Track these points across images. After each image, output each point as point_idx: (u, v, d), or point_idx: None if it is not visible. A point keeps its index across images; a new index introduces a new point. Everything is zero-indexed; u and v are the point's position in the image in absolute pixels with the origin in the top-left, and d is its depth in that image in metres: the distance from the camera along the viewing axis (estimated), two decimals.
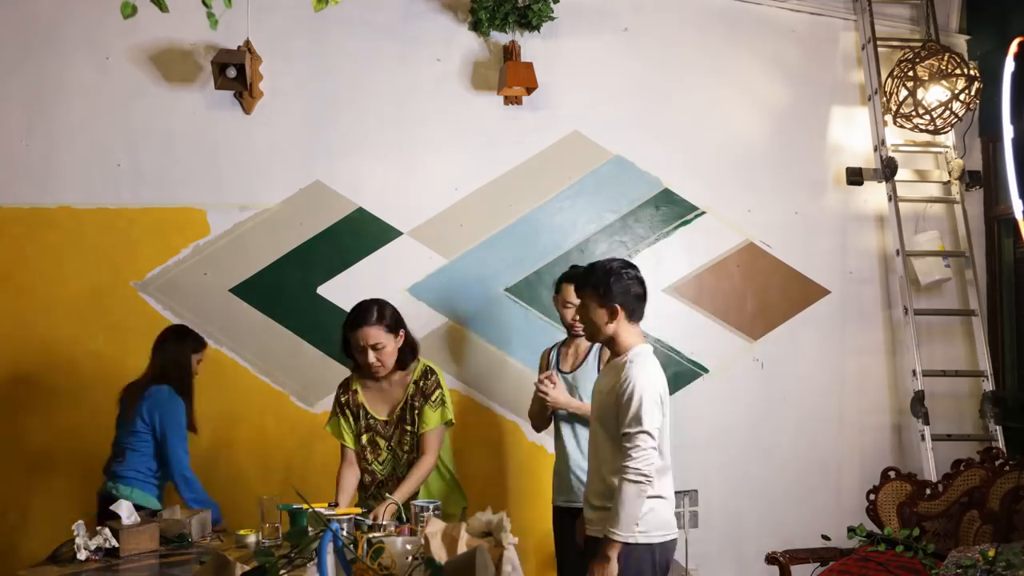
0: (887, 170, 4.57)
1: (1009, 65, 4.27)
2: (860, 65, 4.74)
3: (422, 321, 4.42)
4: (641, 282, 3.00)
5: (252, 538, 3.20)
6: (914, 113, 4.48)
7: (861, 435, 4.66)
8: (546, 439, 4.49)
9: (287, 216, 4.39)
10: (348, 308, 4.35)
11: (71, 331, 4.27)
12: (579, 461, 3.51)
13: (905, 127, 4.57)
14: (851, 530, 4.03)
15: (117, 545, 3.03)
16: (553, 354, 3.79)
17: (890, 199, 4.62)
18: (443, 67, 4.49)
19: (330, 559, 1.77)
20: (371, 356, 3.26)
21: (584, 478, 3.26)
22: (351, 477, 3.36)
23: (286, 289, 4.38)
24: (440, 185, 4.47)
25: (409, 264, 4.44)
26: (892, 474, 4.07)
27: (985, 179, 4.76)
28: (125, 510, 3.17)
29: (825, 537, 3.68)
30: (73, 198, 4.31)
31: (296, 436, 4.34)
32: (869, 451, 4.62)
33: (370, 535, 2.83)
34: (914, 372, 4.51)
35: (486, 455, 4.45)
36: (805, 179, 4.69)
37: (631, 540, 2.81)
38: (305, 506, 3.28)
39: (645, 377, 2.85)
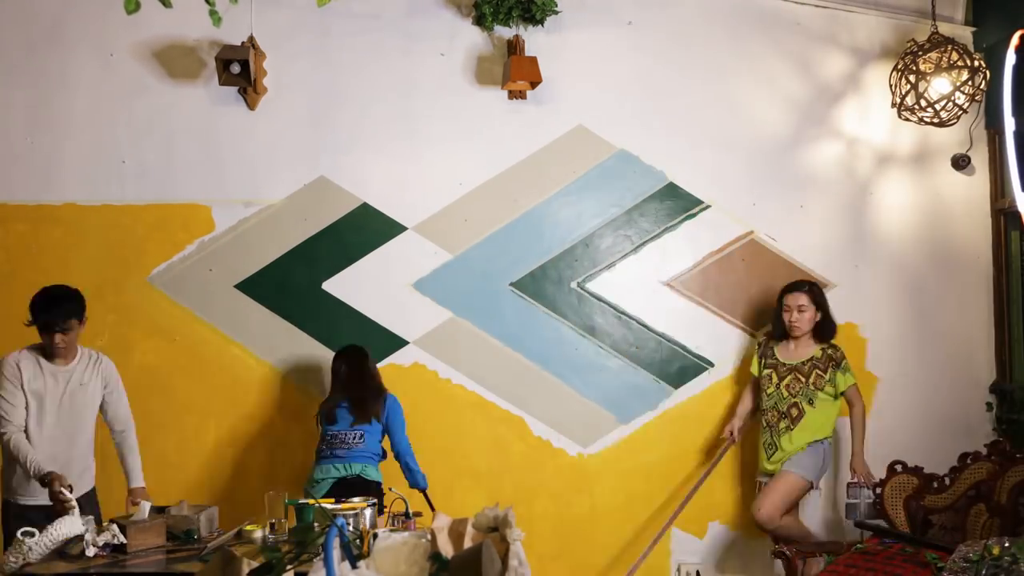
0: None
1: (1010, 58, 4.25)
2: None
3: (427, 316, 4.43)
4: None
5: (258, 534, 3.21)
6: (918, 106, 4.45)
7: (868, 428, 4.65)
8: (550, 433, 4.50)
9: (292, 212, 4.39)
10: (353, 303, 4.41)
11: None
12: None
13: (910, 120, 4.54)
14: (858, 524, 4.04)
15: (125, 541, 3.04)
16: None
17: None
18: (447, 62, 4.49)
19: (336, 555, 1.76)
20: (794, 316, 4.30)
21: None
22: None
23: (291, 285, 4.38)
24: (444, 180, 4.47)
25: (414, 259, 4.44)
26: (899, 467, 4.07)
27: (992, 171, 4.74)
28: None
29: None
30: (77, 195, 4.31)
31: (304, 431, 4.34)
32: (876, 444, 4.61)
33: (377, 530, 2.83)
34: None
35: (491, 449, 4.46)
36: (810, 172, 4.67)
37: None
38: (311, 501, 3.29)
39: None
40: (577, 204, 4.54)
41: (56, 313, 3.44)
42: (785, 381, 4.30)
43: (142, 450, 4.23)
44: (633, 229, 4.57)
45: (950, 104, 4.40)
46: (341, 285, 4.41)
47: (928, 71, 4.41)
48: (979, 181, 4.75)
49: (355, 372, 4.06)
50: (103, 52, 4.34)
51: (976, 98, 4.43)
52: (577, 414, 4.50)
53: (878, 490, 4.05)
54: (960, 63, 4.36)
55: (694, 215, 4.60)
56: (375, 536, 2.44)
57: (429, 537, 2.20)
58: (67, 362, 3.57)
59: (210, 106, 4.37)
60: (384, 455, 4.04)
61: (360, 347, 4.14)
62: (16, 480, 3.47)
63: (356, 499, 3.50)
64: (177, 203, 4.36)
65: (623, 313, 4.55)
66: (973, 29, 4.76)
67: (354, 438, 3.96)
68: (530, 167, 4.52)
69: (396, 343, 4.42)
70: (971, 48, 4.60)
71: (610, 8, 4.58)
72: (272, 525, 3.23)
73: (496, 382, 4.47)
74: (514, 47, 4.44)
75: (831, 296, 4.65)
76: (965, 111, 4.44)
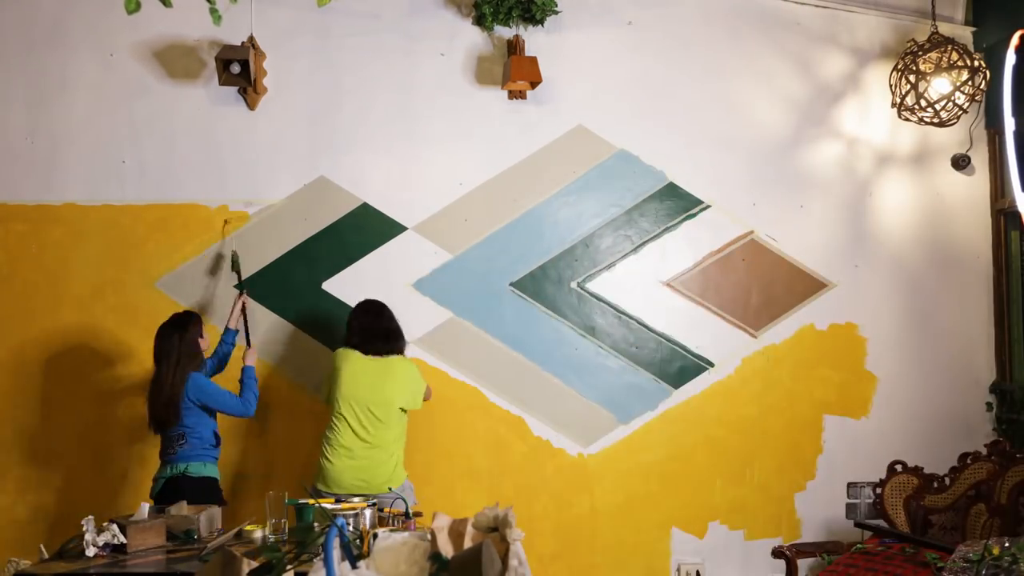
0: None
1: (1010, 58, 4.25)
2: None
3: (427, 316, 4.42)
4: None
5: (259, 534, 3.21)
6: (918, 106, 4.46)
7: (868, 428, 4.66)
8: (550, 433, 4.50)
9: (292, 212, 4.39)
10: (353, 303, 4.39)
11: (77, 327, 4.28)
12: None
13: (910, 120, 4.55)
14: (858, 524, 4.04)
15: (125, 541, 3.04)
16: None
17: None
18: (447, 62, 4.49)
19: (336, 555, 1.76)
20: None
21: None
22: None
23: (291, 285, 4.38)
24: (444, 180, 4.47)
25: (414, 259, 4.44)
26: (899, 467, 4.07)
27: (992, 171, 4.75)
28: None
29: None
30: (78, 195, 4.31)
31: (304, 430, 4.34)
32: (876, 444, 4.61)
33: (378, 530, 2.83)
34: None
35: (491, 449, 4.46)
36: (810, 172, 4.68)
37: None
38: (311, 502, 3.29)
39: None
40: (577, 204, 4.55)
41: None
42: None
43: (143, 450, 4.25)
44: (633, 229, 4.57)
45: (950, 104, 4.40)
46: (341, 285, 4.41)
47: (928, 71, 4.42)
48: (979, 181, 4.76)
49: None
50: (103, 52, 4.34)
51: (976, 98, 4.43)
52: (577, 414, 4.50)
53: (878, 490, 4.05)
54: (960, 63, 4.36)
55: (694, 215, 4.60)
56: (375, 536, 2.44)
57: (429, 537, 2.20)
58: None
59: (210, 106, 4.37)
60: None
61: None
62: None
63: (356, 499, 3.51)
64: (177, 203, 4.36)
65: (623, 313, 4.55)
66: (973, 29, 4.76)
67: None
68: (530, 167, 4.52)
69: None
70: (971, 48, 4.60)
71: (610, 8, 4.58)
72: (272, 525, 3.23)
73: (496, 382, 4.47)
74: (514, 47, 4.44)
75: (831, 296, 4.65)
76: (965, 111, 4.45)
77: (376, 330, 3.92)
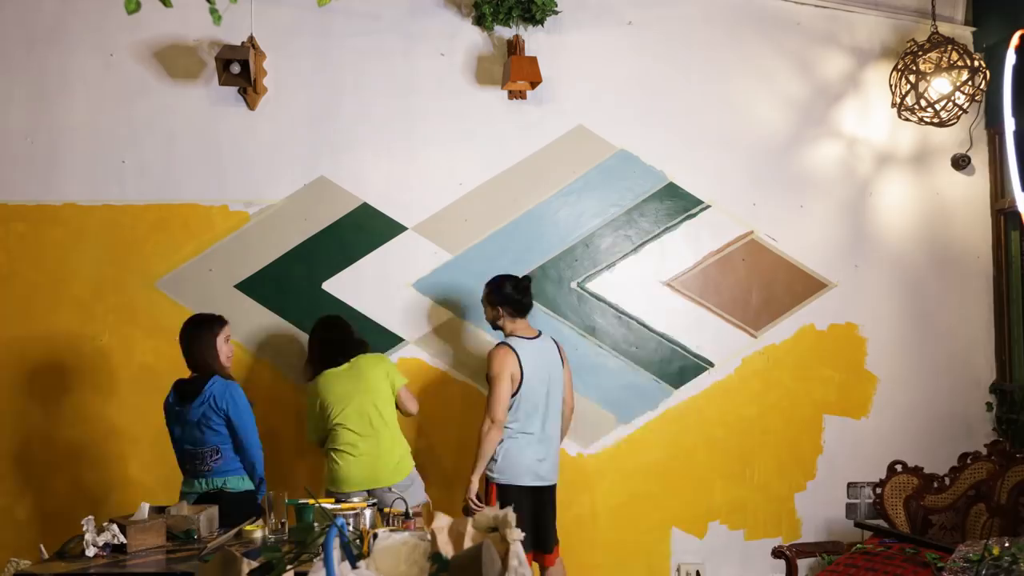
0: None
1: (1010, 58, 4.25)
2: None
3: (427, 316, 4.42)
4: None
5: (258, 534, 3.21)
6: (918, 106, 4.46)
7: (868, 428, 4.66)
8: None
9: (292, 212, 4.39)
10: (353, 303, 4.42)
11: (76, 328, 4.28)
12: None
13: (910, 120, 4.55)
14: (858, 524, 4.04)
15: (125, 541, 3.04)
16: None
17: None
18: (447, 62, 4.49)
19: (336, 555, 1.77)
20: None
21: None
22: None
23: (291, 285, 4.38)
24: (444, 180, 4.47)
25: (414, 259, 4.44)
26: (899, 467, 4.07)
27: (992, 171, 4.75)
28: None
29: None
30: (77, 195, 4.31)
31: (303, 430, 4.34)
32: (876, 444, 4.61)
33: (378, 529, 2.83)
34: None
35: None
36: (810, 172, 4.68)
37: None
38: (311, 501, 3.29)
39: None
40: (577, 204, 4.55)
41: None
42: None
43: (142, 450, 4.25)
44: (633, 229, 4.57)
45: (950, 104, 4.40)
46: (341, 285, 4.41)
47: (928, 71, 4.42)
48: (979, 181, 4.75)
49: None
50: (103, 52, 4.34)
51: (976, 98, 4.43)
52: (577, 414, 4.49)
53: (878, 490, 4.05)
54: (960, 63, 4.36)
55: (694, 215, 4.60)
56: (375, 536, 2.44)
57: (429, 537, 2.20)
58: None
59: (210, 106, 4.37)
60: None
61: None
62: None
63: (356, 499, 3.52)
64: (177, 203, 4.36)
65: (623, 313, 4.55)
66: (973, 29, 4.76)
67: None
68: (530, 167, 4.52)
69: (396, 342, 4.42)
70: (971, 48, 4.60)
71: (610, 8, 4.58)
72: (272, 525, 3.23)
73: None
74: (514, 47, 4.44)
75: (831, 296, 4.65)
76: (965, 111, 4.45)
77: (332, 342, 3.98)
